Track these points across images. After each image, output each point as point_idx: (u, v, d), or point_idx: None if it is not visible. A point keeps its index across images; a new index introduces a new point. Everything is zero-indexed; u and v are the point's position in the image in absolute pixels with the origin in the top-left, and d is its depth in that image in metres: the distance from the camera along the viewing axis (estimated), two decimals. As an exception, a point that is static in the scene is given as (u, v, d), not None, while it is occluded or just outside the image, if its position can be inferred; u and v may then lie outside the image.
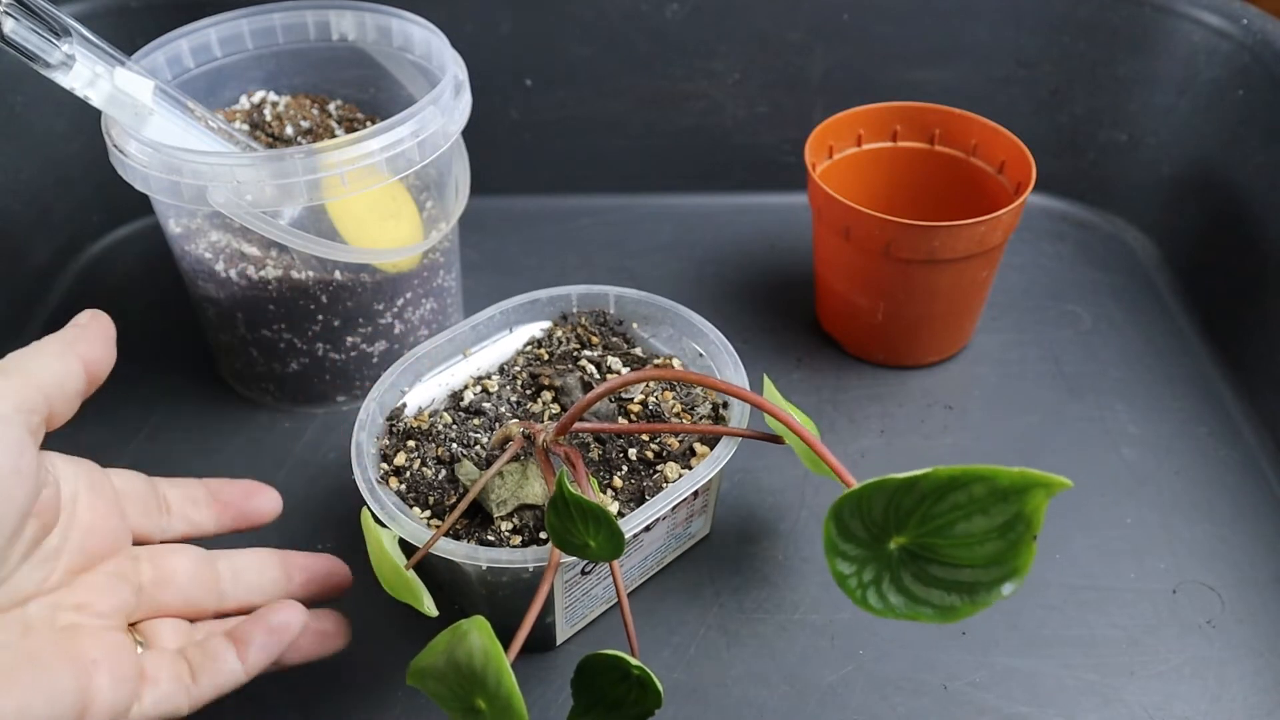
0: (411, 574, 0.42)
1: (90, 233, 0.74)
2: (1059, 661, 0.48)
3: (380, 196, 0.55)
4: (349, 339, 0.58)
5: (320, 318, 0.57)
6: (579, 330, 0.55)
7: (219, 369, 0.64)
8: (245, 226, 0.50)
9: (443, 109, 0.53)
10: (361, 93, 0.65)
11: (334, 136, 0.62)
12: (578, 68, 0.74)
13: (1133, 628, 0.50)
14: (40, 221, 0.70)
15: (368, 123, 0.64)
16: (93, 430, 0.60)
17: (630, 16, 0.72)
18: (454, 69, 0.55)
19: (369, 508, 0.44)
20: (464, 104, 0.55)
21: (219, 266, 0.55)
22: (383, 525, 0.43)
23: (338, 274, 0.55)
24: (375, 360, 0.60)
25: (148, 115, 0.50)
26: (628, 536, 0.40)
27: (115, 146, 0.51)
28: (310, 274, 0.55)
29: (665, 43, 0.73)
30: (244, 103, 0.63)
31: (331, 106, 0.64)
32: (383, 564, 0.42)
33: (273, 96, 0.64)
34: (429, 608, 0.41)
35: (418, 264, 0.58)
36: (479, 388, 0.52)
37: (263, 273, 0.55)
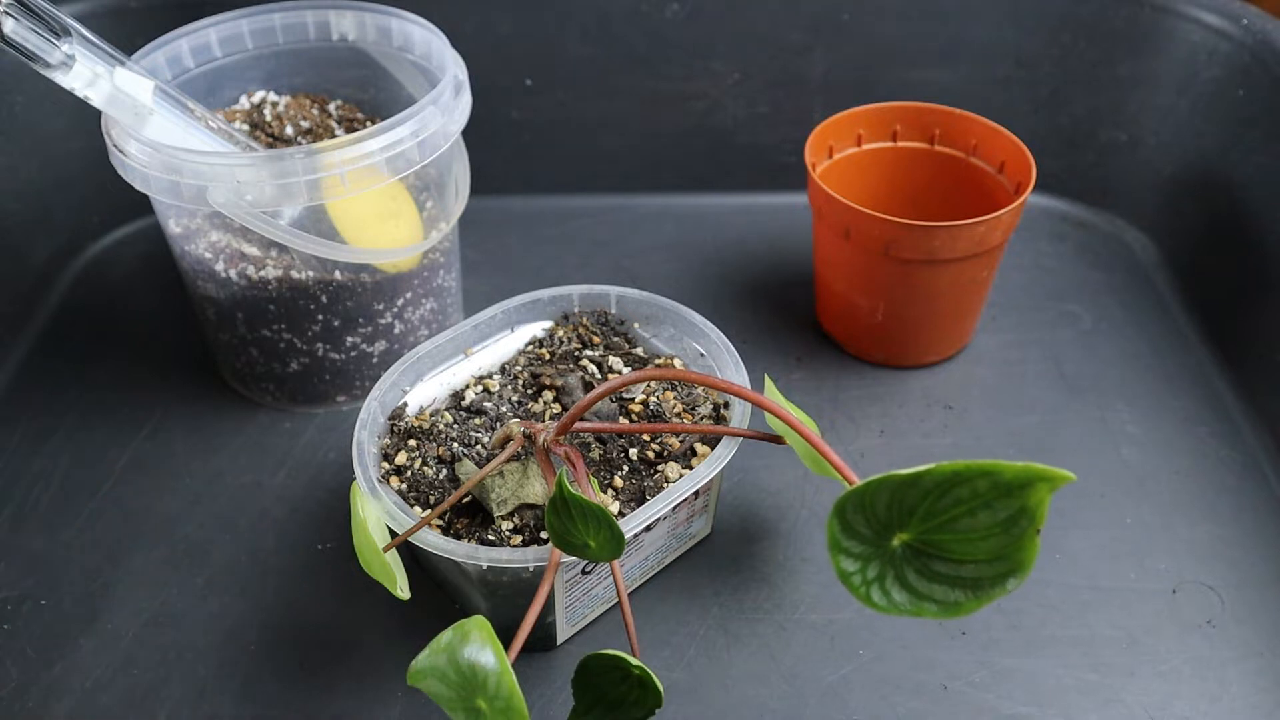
0: (390, 556, 0.42)
1: (90, 233, 0.74)
2: (1059, 661, 0.48)
3: (380, 196, 0.55)
4: (349, 339, 0.58)
5: (320, 318, 0.57)
6: (580, 330, 0.55)
7: (219, 369, 0.64)
8: (245, 226, 0.50)
9: (443, 109, 0.53)
10: (361, 93, 0.65)
11: (334, 136, 0.62)
12: (578, 68, 0.74)
13: (1133, 628, 0.50)
14: (40, 221, 0.70)
15: (368, 123, 0.64)
16: (93, 430, 0.61)
17: (630, 16, 0.72)
18: (454, 69, 0.55)
19: (359, 482, 0.44)
20: (464, 104, 0.55)
21: (219, 266, 0.55)
22: (373, 506, 0.44)
23: (338, 274, 0.55)
24: (375, 360, 0.60)
25: (148, 115, 0.50)
26: (628, 536, 0.40)
27: (115, 146, 0.50)
28: (310, 274, 0.55)
29: (665, 43, 0.73)
30: (244, 103, 0.63)
31: (331, 106, 0.64)
32: (363, 542, 0.43)
33: (273, 96, 0.64)
34: (402, 590, 0.42)
35: (418, 264, 0.58)
36: (480, 387, 0.52)
37: (263, 273, 0.55)
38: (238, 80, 0.62)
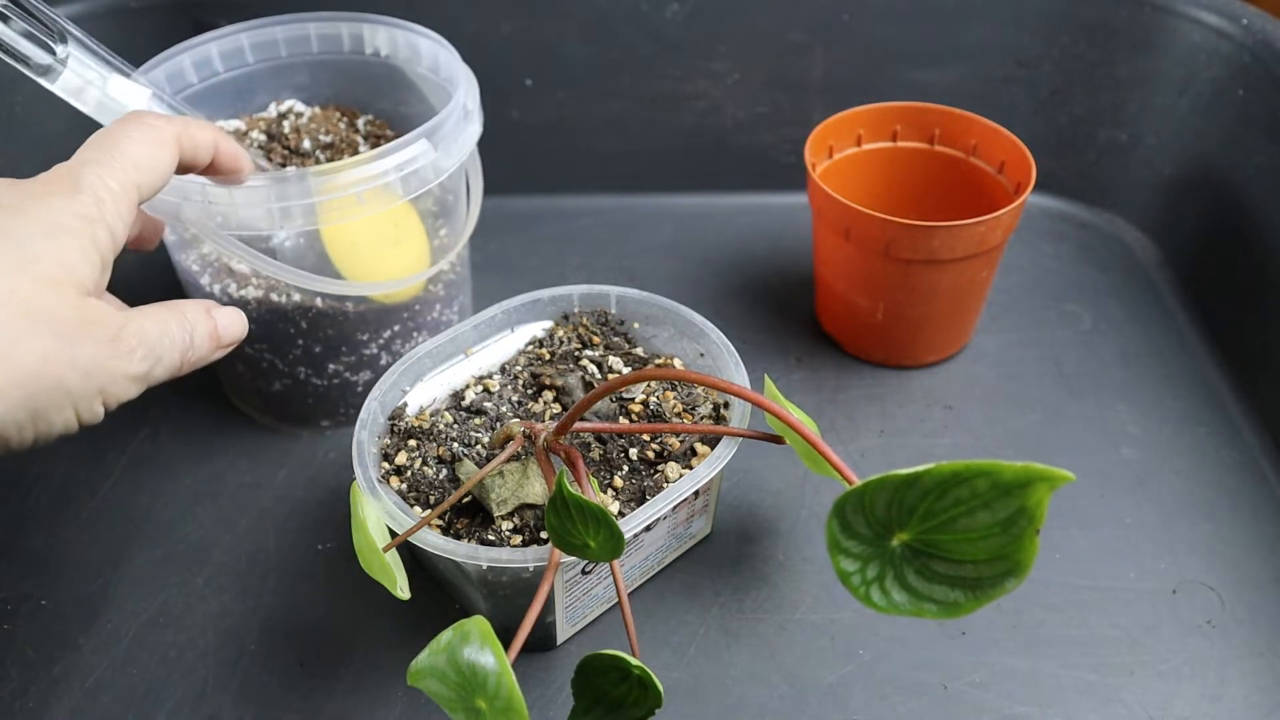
0: (390, 556, 0.42)
1: (90, 233, 0.74)
2: (1059, 661, 0.48)
3: (379, 223, 0.53)
4: (331, 366, 0.57)
5: (301, 342, 0.55)
6: (580, 330, 0.55)
7: (217, 373, 0.64)
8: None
9: (439, 141, 0.51)
10: (395, 109, 0.63)
11: (357, 151, 0.60)
12: (578, 68, 0.74)
13: (1133, 628, 0.50)
14: (40, 221, 0.70)
15: (396, 139, 0.62)
16: (93, 430, 0.60)
17: (630, 16, 0.72)
18: (463, 98, 0.53)
19: (359, 482, 0.45)
20: (465, 136, 0.53)
21: (204, 280, 0.54)
22: (373, 506, 0.44)
23: (319, 301, 0.54)
24: (360, 389, 0.59)
25: None
26: (628, 536, 0.40)
27: None
28: (288, 298, 0.53)
29: (665, 43, 0.73)
30: (272, 110, 0.62)
31: (360, 121, 0.63)
32: (363, 542, 0.43)
33: (300, 106, 0.62)
34: (402, 590, 0.42)
35: (410, 297, 0.57)
36: (480, 387, 0.52)
37: (244, 292, 0.53)
38: (270, 87, 0.61)
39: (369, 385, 0.59)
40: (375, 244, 0.54)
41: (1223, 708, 0.46)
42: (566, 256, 0.74)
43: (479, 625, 0.37)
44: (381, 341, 0.57)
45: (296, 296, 0.54)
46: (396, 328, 0.57)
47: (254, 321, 0.54)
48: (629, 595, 0.50)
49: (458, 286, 0.61)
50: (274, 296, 0.54)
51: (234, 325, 0.43)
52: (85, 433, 0.60)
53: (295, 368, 0.57)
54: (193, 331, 0.41)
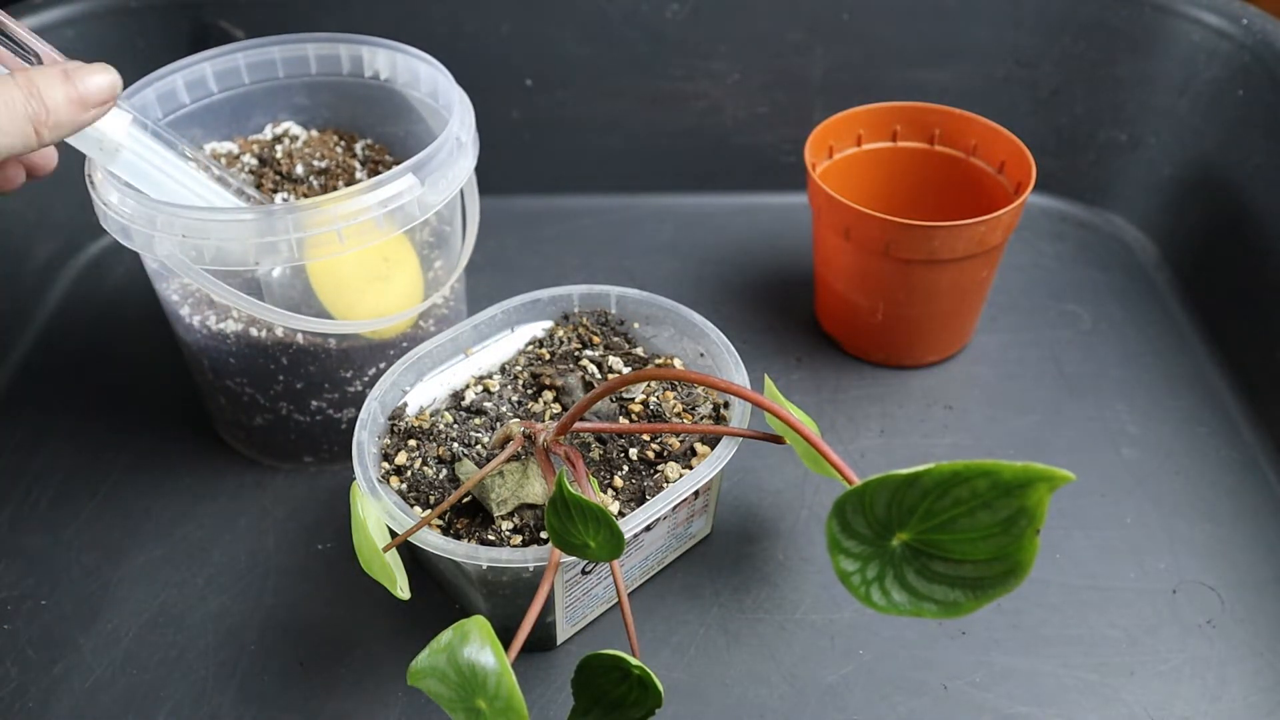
0: (390, 556, 0.42)
1: (90, 233, 0.74)
2: (1059, 661, 0.48)
3: (368, 257, 0.52)
4: (314, 402, 0.55)
5: (282, 378, 0.54)
6: (580, 330, 0.55)
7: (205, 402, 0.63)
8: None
9: (428, 174, 0.49)
10: (395, 132, 0.62)
11: (353, 178, 0.59)
12: (578, 68, 0.74)
13: (1133, 628, 0.50)
14: (40, 222, 0.70)
15: (395, 165, 0.59)
16: (93, 430, 0.61)
17: (630, 16, 0.73)
18: (456, 129, 0.51)
19: (359, 482, 0.45)
20: (458, 170, 0.51)
21: (184, 311, 0.53)
22: (373, 506, 0.44)
23: (300, 337, 0.52)
24: (344, 426, 0.57)
25: (114, 151, 0.46)
26: (628, 536, 0.40)
27: (88, 174, 0.49)
28: (269, 333, 0.52)
29: (665, 43, 0.73)
30: (268, 133, 0.61)
31: (359, 145, 0.61)
32: (363, 542, 0.43)
33: (296, 129, 0.61)
34: (402, 590, 0.42)
35: (398, 334, 0.55)
36: (480, 387, 0.52)
37: (223, 325, 0.52)
38: (266, 108, 0.60)
39: (353, 423, 0.56)
40: (363, 279, 0.52)
41: (1223, 708, 0.46)
42: (566, 256, 0.74)
43: (479, 625, 0.37)
44: (366, 379, 0.55)
45: (278, 332, 0.52)
46: (383, 365, 0.55)
47: (234, 356, 0.53)
48: (629, 595, 0.50)
49: (451, 321, 0.59)
50: (254, 331, 0.52)
51: (102, 86, 0.41)
52: (85, 432, 0.60)
53: (277, 403, 0.55)
54: (42, 96, 0.38)
